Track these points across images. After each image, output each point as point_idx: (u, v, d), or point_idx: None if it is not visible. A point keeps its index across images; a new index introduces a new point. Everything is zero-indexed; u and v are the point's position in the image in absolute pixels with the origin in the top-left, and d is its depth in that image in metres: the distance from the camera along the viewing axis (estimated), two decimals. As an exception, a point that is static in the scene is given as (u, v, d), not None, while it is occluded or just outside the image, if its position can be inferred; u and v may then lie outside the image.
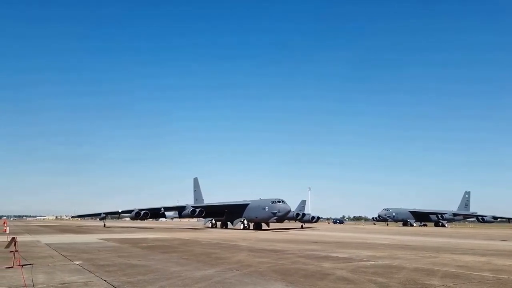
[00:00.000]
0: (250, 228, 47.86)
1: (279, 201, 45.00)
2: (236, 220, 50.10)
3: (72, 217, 66.07)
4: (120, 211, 54.80)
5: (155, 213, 53.74)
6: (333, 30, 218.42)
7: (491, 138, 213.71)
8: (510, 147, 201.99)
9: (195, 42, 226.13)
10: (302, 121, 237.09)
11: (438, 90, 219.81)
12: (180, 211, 51.94)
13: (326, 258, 13.27)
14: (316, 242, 22.39)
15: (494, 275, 9.43)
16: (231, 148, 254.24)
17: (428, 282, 8.26)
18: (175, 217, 75.06)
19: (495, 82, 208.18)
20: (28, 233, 32.68)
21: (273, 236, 29.75)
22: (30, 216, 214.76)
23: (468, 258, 13.70)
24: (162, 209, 53.15)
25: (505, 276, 9.26)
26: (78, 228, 48.11)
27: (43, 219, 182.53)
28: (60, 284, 7.83)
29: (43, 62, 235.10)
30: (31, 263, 11.11)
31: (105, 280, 8.22)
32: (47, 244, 18.85)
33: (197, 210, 49.33)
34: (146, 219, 51.48)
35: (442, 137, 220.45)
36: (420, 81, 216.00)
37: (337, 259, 13.04)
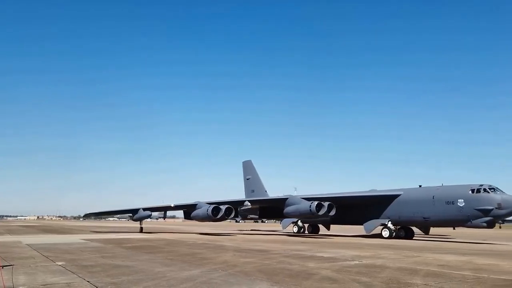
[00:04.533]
0: (398, 236, 29.67)
1: (491, 189, 24.90)
2: (372, 222, 30.16)
3: (84, 215, 43.64)
4: (172, 205, 35.63)
5: (235, 210, 34.18)
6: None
7: (495, 136, 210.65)
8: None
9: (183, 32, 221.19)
10: (299, 114, 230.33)
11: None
12: (274, 205, 34.40)
13: (311, 258, 13.36)
14: (302, 242, 22.52)
15: (474, 274, 9.64)
16: (220, 143, 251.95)
17: (411, 281, 8.39)
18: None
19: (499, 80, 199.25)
20: (9, 234, 32.00)
21: (260, 236, 29.78)
22: (10, 216, 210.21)
23: (450, 258, 13.97)
24: (248, 203, 34.65)
25: (485, 275, 9.47)
26: (61, 228, 47.29)
27: (24, 219, 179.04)
28: (41, 285, 7.69)
29: (26, 50, 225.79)
30: (12, 264, 10.87)
31: (88, 281, 8.11)
32: (28, 245, 18.49)
33: (325, 204, 29.12)
34: (226, 219, 32.92)
35: (447, 133, 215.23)
36: (426, 71, 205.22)
37: (322, 258, 13.14)
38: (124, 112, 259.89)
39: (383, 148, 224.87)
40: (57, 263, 11.30)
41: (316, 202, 29.11)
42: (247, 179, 48.00)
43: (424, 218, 27.87)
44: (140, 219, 37.57)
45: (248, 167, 48.65)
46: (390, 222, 29.38)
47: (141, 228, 37.66)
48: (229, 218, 32.92)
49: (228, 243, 20.83)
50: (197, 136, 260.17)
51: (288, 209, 31.42)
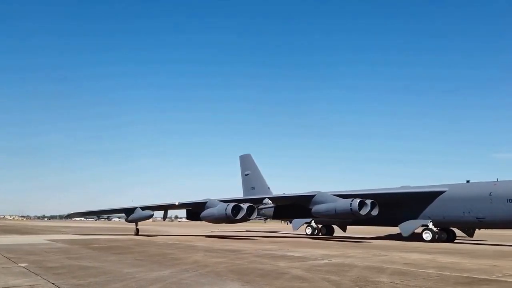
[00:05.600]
0: (441, 237, 25.86)
1: None
2: (410, 223, 26.06)
3: (68, 215, 36.81)
4: (176, 203, 30.61)
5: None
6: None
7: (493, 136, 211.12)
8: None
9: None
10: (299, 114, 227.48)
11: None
12: (298, 203, 29.11)
13: (282, 257, 13.48)
14: (273, 242, 22.68)
15: (438, 272, 10.02)
16: (193, 141, 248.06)
17: (378, 279, 8.62)
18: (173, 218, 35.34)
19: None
20: (-33, 234, 30.47)
21: (230, 235, 29.73)
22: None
23: (415, 256, 14.45)
24: (268, 201, 29.89)
25: (448, 273, 9.86)
26: (24, 229, 45.48)
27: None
28: (3, 288, 7.38)
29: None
30: (-30, 266, 10.37)
31: (53, 283, 7.85)
32: (-12, 246, 17.68)
33: (368, 202, 24.72)
34: (248, 219, 27.37)
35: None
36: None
37: (292, 258, 13.28)
38: (95, 111, 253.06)
39: (379, 147, 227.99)
40: (19, 264, 10.87)
41: (358, 200, 24.46)
42: (246, 175, 43.27)
43: (478, 218, 23.82)
44: (138, 220, 31.54)
45: (246, 162, 43.63)
46: (431, 223, 25.36)
47: (137, 230, 31.52)
48: (251, 218, 27.37)
49: (199, 243, 20.69)
50: (172, 135, 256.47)
51: (318, 208, 26.73)
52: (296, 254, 14.56)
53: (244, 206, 26.22)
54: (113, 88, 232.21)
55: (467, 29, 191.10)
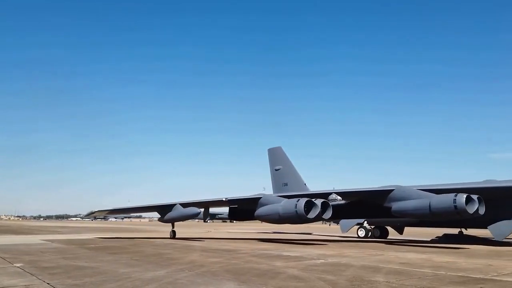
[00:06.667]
0: None
1: None
2: (504, 224, 21.00)
3: (88, 214, 30.47)
4: (224, 199, 25.54)
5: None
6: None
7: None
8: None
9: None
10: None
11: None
12: (370, 199, 23.49)
13: (278, 257, 13.49)
14: (269, 242, 22.69)
15: (433, 271, 10.06)
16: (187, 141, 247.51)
17: (374, 279, 8.65)
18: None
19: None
20: (-38, 234, 30.29)
21: (227, 235, 29.75)
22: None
23: (411, 256, 14.50)
24: (336, 196, 23.60)
25: (443, 272, 9.91)
26: (20, 229, 45.25)
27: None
28: (-3, 288, 7.35)
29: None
30: (-35, 266, 10.32)
31: (48, 283, 7.83)
32: (-17, 246, 17.59)
33: (475, 198, 19.07)
34: (323, 219, 22.45)
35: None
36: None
37: (289, 257, 13.30)
38: (89, 109, 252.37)
39: (375, 146, 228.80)
40: (15, 264, 10.83)
41: (465, 194, 18.74)
42: (276, 170, 38.67)
43: None
44: (178, 220, 26.17)
45: (276, 156, 38.83)
46: None
47: (174, 232, 26.59)
48: (325, 217, 21.57)
49: (195, 243, 20.69)
50: (168, 133, 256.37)
51: (402, 205, 21.05)
52: (293, 254, 14.57)
53: (318, 202, 20.68)
54: (111, 86, 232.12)
55: (465, 26, 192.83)
